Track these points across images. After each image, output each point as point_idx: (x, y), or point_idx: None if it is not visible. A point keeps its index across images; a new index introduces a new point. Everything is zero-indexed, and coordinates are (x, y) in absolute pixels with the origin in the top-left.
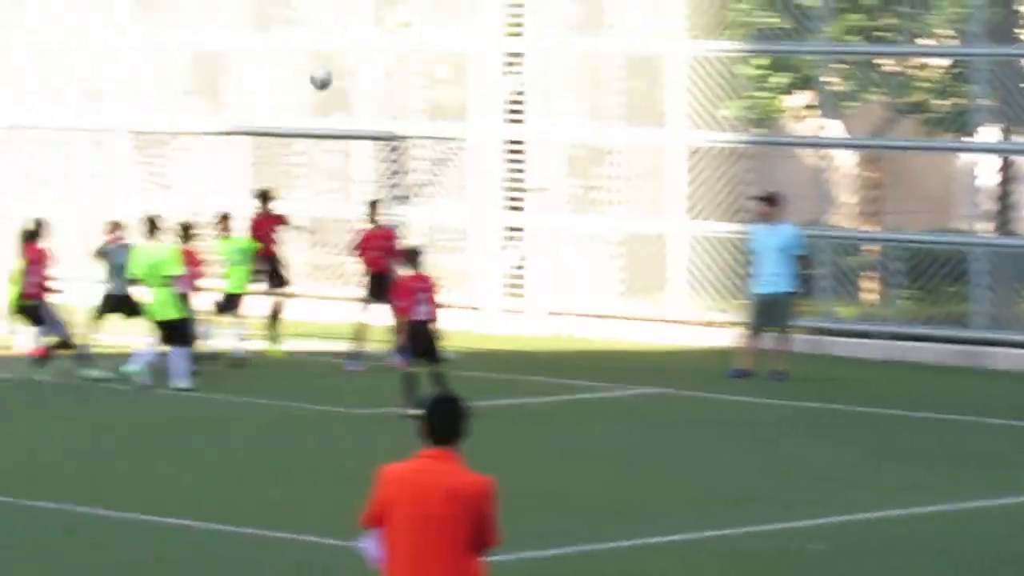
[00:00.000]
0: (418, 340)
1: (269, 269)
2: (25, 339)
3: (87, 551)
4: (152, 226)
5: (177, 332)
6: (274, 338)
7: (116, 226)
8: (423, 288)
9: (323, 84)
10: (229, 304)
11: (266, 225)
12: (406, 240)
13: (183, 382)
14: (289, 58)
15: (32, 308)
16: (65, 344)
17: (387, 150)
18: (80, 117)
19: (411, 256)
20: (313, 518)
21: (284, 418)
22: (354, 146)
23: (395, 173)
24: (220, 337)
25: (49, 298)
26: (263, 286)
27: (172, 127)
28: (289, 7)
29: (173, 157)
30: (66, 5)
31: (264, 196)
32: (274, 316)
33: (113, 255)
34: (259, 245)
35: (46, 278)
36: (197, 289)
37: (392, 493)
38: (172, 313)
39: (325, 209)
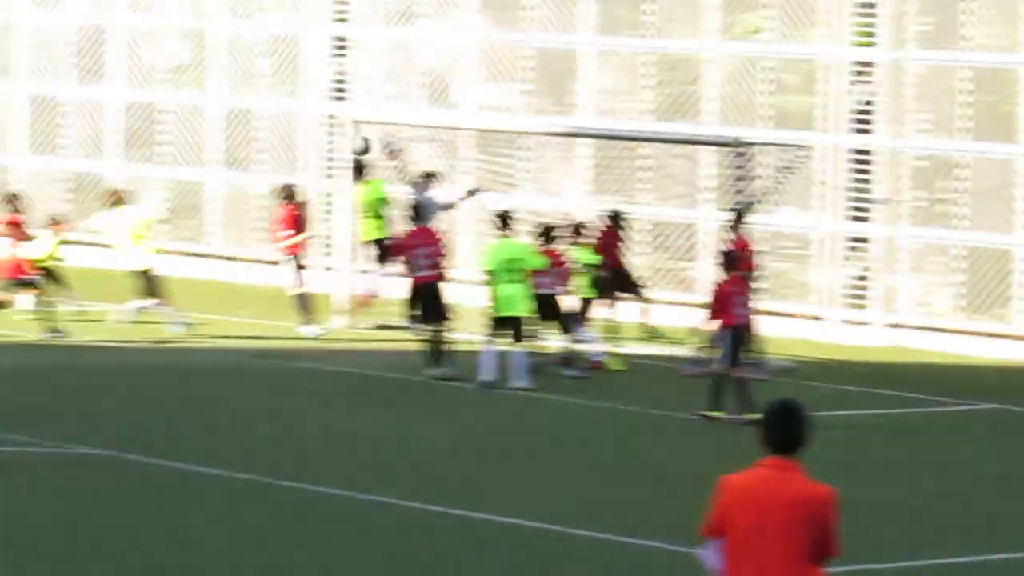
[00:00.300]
0: (737, 344)
1: (614, 279)
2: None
3: (451, 551)
4: (504, 222)
5: (521, 330)
6: (620, 342)
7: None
8: (741, 292)
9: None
10: (581, 309)
11: (612, 240)
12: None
13: (523, 382)
14: (634, 61)
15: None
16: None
17: (733, 156)
18: (427, 114)
19: (729, 260)
20: (655, 523)
21: (621, 421)
22: (700, 151)
23: (740, 179)
24: (572, 341)
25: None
26: (612, 295)
27: (517, 126)
28: (638, 11)
29: (518, 156)
30: None
31: (615, 217)
32: (634, 322)
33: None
34: (601, 259)
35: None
36: (565, 290)
37: (732, 502)
38: (521, 310)
39: (670, 214)
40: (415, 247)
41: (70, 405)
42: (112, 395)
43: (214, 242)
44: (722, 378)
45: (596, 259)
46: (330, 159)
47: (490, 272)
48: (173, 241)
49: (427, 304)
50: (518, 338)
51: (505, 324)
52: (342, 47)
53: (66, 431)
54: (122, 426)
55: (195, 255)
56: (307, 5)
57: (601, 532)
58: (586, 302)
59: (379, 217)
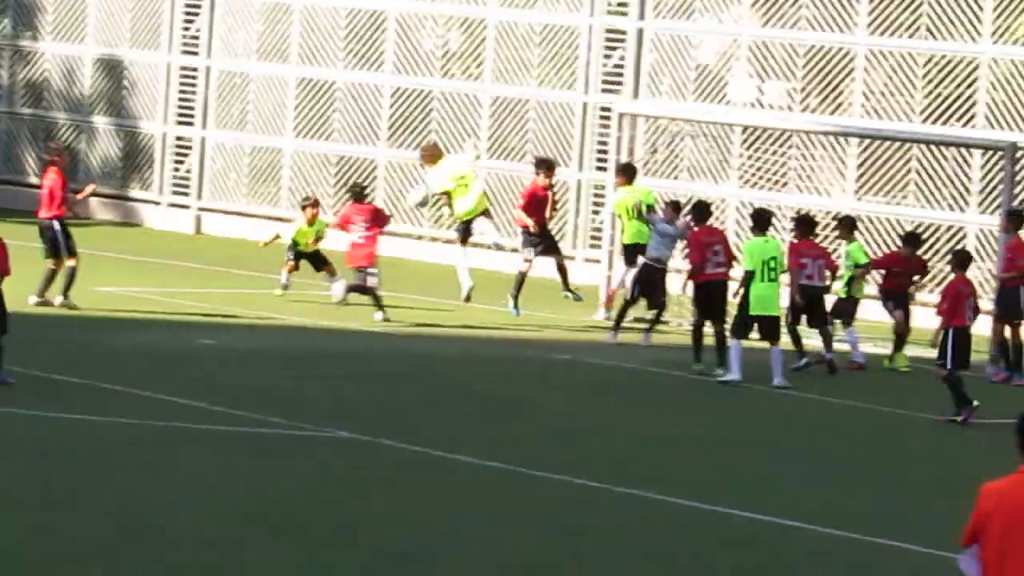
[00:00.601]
0: (960, 346)
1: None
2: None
3: (706, 549)
4: (763, 221)
5: (776, 328)
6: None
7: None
8: (970, 293)
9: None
10: (845, 308)
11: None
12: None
13: (781, 379)
14: (906, 62)
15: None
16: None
17: (1004, 159)
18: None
19: (962, 260)
20: (921, 528)
21: (879, 423)
22: (972, 155)
23: (1012, 182)
24: (836, 341)
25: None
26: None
27: (787, 124)
28: (915, 12)
29: (786, 154)
30: None
31: (912, 239)
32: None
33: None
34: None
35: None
36: (829, 285)
37: (991, 509)
38: (775, 309)
39: (938, 216)
40: (708, 245)
41: (330, 389)
42: (371, 381)
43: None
44: (955, 378)
45: (865, 259)
46: (602, 151)
47: (749, 271)
48: (436, 228)
49: (709, 302)
50: (775, 337)
51: (759, 323)
52: (619, 39)
53: (321, 415)
54: (379, 412)
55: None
56: None
57: (853, 532)
58: (854, 301)
59: (642, 221)
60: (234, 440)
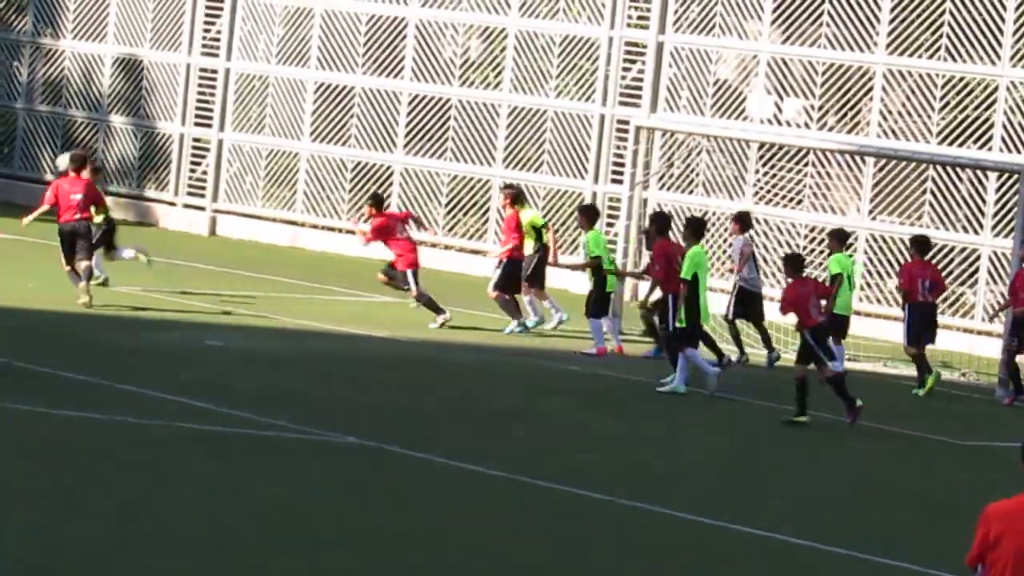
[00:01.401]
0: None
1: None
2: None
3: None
4: (843, 239)
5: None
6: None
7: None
8: (924, 275)
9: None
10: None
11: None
12: None
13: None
14: (925, 82)
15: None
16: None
17: (1020, 182)
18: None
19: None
20: (933, 549)
21: (899, 446)
22: (987, 177)
23: None
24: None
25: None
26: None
27: (803, 141)
28: (935, 33)
29: (802, 171)
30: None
31: (921, 243)
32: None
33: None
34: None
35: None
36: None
37: (997, 530)
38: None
39: (952, 238)
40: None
41: (338, 394)
42: (381, 387)
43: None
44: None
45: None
46: (619, 164)
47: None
48: (459, 239)
49: (926, 324)
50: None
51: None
52: (639, 52)
53: (333, 420)
54: (387, 417)
55: (477, 252)
56: (606, 9)
57: (862, 552)
58: (843, 318)
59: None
60: (235, 441)
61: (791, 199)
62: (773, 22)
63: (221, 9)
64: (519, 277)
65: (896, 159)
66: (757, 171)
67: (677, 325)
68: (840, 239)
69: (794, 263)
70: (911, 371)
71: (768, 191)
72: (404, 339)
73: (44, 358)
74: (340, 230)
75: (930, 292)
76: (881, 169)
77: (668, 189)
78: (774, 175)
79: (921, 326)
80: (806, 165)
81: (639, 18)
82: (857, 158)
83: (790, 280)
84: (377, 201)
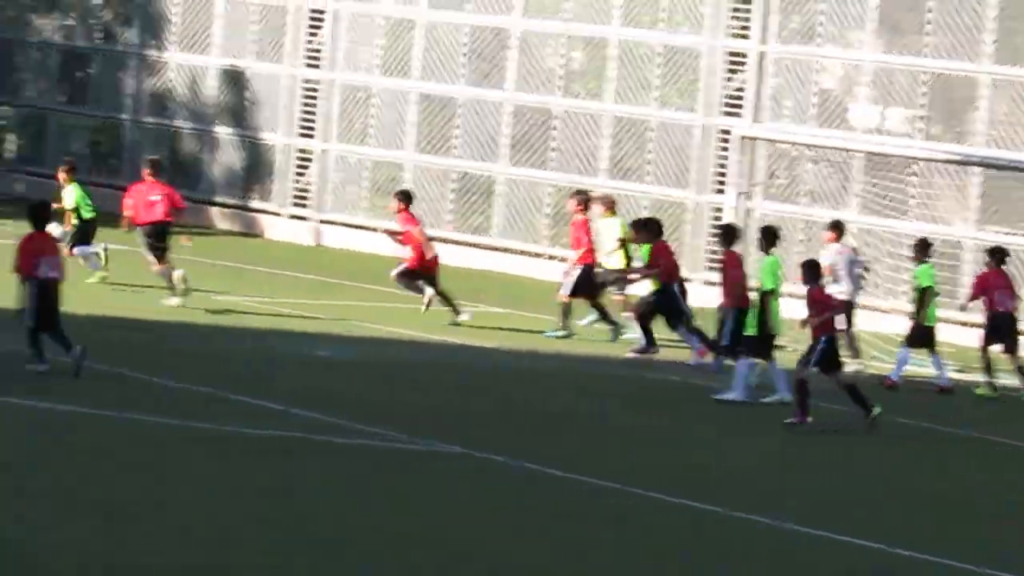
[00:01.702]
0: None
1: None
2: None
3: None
4: (926, 248)
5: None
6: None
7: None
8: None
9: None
10: (924, 335)
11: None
12: None
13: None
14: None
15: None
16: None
17: None
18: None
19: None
20: (994, 552)
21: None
22: None
23: None
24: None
25: None
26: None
27: (908, 151)
28: None
29: (907, 182)
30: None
31: (997, 253)
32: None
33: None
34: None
35: None
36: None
37: None
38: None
39: None
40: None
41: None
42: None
43: None
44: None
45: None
46: (721, 174)
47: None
48: (564, 249)
49: (1007, 334)
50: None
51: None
52: (741, 62)
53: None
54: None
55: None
56: (707, 19)
57: (947, 560)
58: (928, 329)
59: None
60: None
61: (896, 209)
62: (876, 30)
63: (323, 21)
64: (592, 282)
65: (1003, 168)
66: (862, 181)
67: (747, 334)
68: (924, 249)
69: (811, 270)
70: (1012, 380)
71: (873, 201)
72: (507, 349)
73: (139, 364)
74: (445, 240)
75: (1008, 301)
76: (988, 179)
77: (773, 199)
78: (878, 185)
79: (997, 334)
80: (911, 175)
81: (741, 27)
82: (963, 168)
83: (808, 286)
84: (406, 197)
